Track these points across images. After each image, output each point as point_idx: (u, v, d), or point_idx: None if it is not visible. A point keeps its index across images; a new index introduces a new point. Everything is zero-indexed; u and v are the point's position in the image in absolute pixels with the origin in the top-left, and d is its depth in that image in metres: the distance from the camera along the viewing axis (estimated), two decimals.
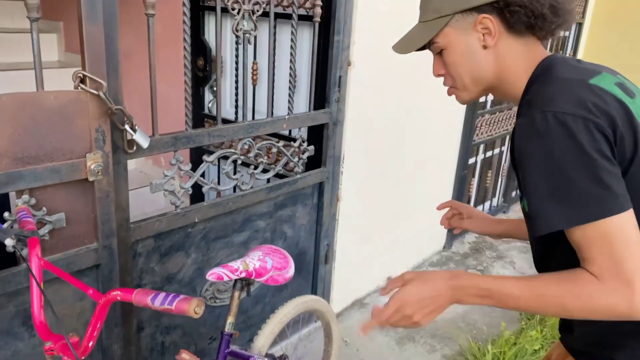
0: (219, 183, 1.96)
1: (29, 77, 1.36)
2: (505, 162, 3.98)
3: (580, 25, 4.38)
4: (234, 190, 1.93)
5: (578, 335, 1.00)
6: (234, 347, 1.49)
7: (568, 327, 1.03)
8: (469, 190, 3.58)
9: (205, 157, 1.77)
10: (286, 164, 2.10)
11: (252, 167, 1.94)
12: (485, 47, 0.94)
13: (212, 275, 1.33)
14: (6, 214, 1.26)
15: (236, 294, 1.45)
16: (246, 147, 1.88)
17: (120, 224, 1.52)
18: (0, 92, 1.20)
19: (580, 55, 4.52)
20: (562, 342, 1.09)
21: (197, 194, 2.05)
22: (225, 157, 1.85)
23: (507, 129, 3.75)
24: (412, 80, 2.55)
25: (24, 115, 1.25)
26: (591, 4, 4.41)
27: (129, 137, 1.46)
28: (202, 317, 1.92)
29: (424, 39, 0.99)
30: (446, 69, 1.01)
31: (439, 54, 1.00)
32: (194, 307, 1.06)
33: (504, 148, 3.93)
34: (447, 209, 1.40)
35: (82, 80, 1.32)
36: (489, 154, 3.74)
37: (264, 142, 1.99)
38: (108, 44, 1.36)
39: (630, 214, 0.79)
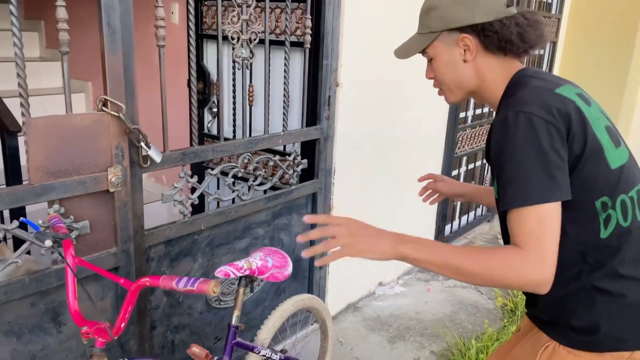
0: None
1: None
2: (487, 173, 4.19)
3: (554, 44, 4.65)
4: (233, 202, 2.12)
5: (540, 307, 1.18)
6: (239, 339, 1.67)
7: (532, 302, 1.21)
8: (452, 200, 3.78)
9: (209, 171, 1.96)
10: (282, 176, 2.30)
11: (252, 179, 2.14)
12: (465, 60, 1.16)
13: (220, 272, 1.51)
14: (40, 221, 1.44)
15: (241, 290, 1.63)
16: (246, 161, 2.08)
17: (136, 230, 1.70)
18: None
19: (555, 71, 4.79)
20: (527, 315, 1.28)
21: (198, 205, 2.23)
22: (224, 173, 2.04)
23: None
24: (396, 97, 2.78)
25: (55, 135, 1.44)
26: (564, 25, 4.69)
27: (144, 153, 1.65)
28: (207, 318, 2.10)
29: (417, 48, 1.21)
30: (434, 74, 1.23)
31: (430, 61, 1.22)
32: (212, 287, 1.24)
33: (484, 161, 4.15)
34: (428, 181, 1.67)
35: (104, 104, 1.52)
36: (471, 165, 3.96)
37: (262, 156, 2.19)
38: (126, 72, 1.56)
39: (559, 204, 0.99)
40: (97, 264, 1.59)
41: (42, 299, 1.51)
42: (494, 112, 1.18)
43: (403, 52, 1.25)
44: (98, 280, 1.63)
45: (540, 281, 0.96)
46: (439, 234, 3.59)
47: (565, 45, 4.80)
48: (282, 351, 1.86)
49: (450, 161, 3.49)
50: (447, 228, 3.78)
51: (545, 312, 1.17)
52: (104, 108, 1.52)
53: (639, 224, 1.07)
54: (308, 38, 2.20)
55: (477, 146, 3.85)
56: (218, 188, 2.75)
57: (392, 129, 2.85)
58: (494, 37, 1.11)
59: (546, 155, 0.97)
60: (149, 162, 1.68)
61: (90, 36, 1.52)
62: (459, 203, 3.89)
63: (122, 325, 1.27)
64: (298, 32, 2.38)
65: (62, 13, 1.39)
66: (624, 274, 1.05)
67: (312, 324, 2.60)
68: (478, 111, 3.88)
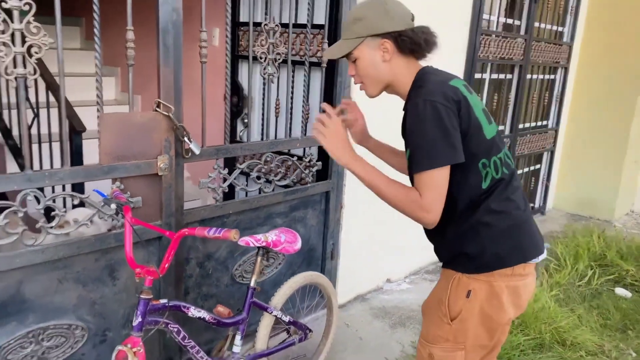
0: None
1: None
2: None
3: (566, 70, 4.94)
4: (259, 192, 2.52)
5: (444, 251, 1.56)
6: (256, 299, 2.04)
7: (439, 252, 1.60)
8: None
9: (238, 165, 2.37)
10: (301, 179, 2.69)
11: (273, 175, 2.53)
12: (384, 60, 1.47)
13: (242, 241, 1.90)
14: (106, 193, 1.87)
15: (259, 258, 2.01)
16: (268, 159, 2.48)
17: (177, 209, 2.11)
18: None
19: (567, 95, 5.07)
20: (438, 259, 1.62)
21: (228, 194, 2.64)
22: (251, 168, 2.44)
23: None
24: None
25: (121, 127, 1.87)
26: (576, 52, 4.98)
27: (186, 147, 2.07)
28: (232, 291, 2.47)
29: (346, 50, 1.49)
30: (357, 72, 1.52)
31: (354, 62, 1.51)
32: (233, 234, 1.62)
33: None
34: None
35: (158, 105, 1.95)
36: None
37: (282, 156, 2.59)
38: (175, 81, 1.99)
39: (448, 168, 1.35)
40: (146, 233, 2.01)
41: (103, 256, 1.93)
42: (404, 102, 1.51)
43: (332, 53, 1.53)
44: (145, 247, 2.04)
45: (429, 220, 1.37)
46: None
47: (578, 72, 5.08)
48: (292, 320, 2.22)
49: None
50: None
51: (448, 251, 1.54)
52: (157, 109, 1.95)
53: (504, 176, 1.47)
54: (325, 59, 2.61)
55: None
56: (247, 184, 3.15)
57: (399, 137, 3.20)
58: (407, 42, 1.44)
59: (446, 130, 1.34)
60: (189, 154, 2.10)
61: (120, 29, 1.91)
62: None
63: (166, 265, 1.67)
64: (318, 54, 2.79)
65: (130, 35, 1.83)
66: (496, 209, 1.44)
67: (320, 310, 2.94)
68: None
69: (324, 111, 1.56)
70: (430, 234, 1.60)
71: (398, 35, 1.44)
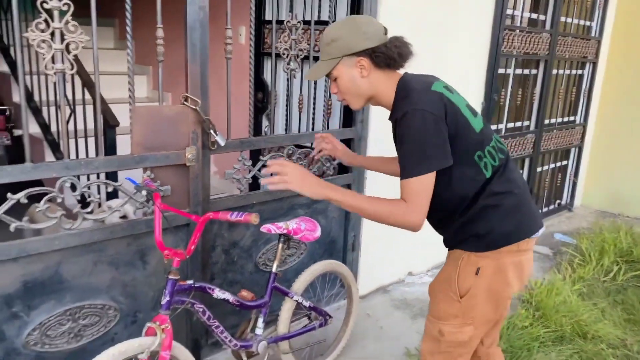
0: None
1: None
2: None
3: (594, 65, 4.88)
4: None
5: (452, 237, 1.63)
6: (277, 284, 2.13)
7: (447, 240, 1.67)
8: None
9: (261, 157, 2.47)
10: (323, 172, 2.77)
11: None
12: (362, 77, 1.55)
13: (264, 228, 2.00)
14: (137, 181, 1.99)
15: (280, 245, 2.10)
16: (290, 152, 2.57)
17: (204, 198, 2.22)
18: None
19: (596, 91, 5.01)
20: (445, 246, 1.70)
21: (252, 186, 2.74)
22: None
23: (520, 153, 4.27)
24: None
25: (152, 120, 1.99)
26: (605, 47, 4.91)
27: (212, 139, 2.17)
28: (255, 278, 2.57)
29: (325, 71, 1.58)
30: (338, 89, 1.62)
31: (335, 80, 1.60)
32: (253, 217, 1.71)
33: (520, 171, 4.44)
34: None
35: (186, 99, 2.06)
36: None
37: (304, 149, 2.67)
38: (202, 76, 2.10)
39: (434, 175, 1.43)
40: (174, 220, 2.12)
41: (134, 241, 2.05)
42: (390, 112, 1.60)
43: (313, 74, 1.63)
44: (174, 233, 2.16)
45: (415, 225, 1.45)
46: None
47: (607, 67, 5.01)
48: (311, 306, 2.31)
49: None
50: None
51: (458, 236, 1.61)
52: (185, 102, 2.06)
53: (502, 161, 1.57)
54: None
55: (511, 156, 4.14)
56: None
57: None
58: (382, 57, 1.52)
59: (433, 138, 1.42)
60: (215, 146, 2.20)
61: (151, 29, 2.02)
62: None
63: (192, 247, 1.77)
64: None
65: (160, 32, 1.95)
66: (499, 191, 1.52)
67: (341, 299, 3.01)
68: (510, 125, 4.19)
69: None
70: (439, 226, 1.68)
71: (372, 52, 1.52)
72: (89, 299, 1.97)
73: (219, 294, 1.94)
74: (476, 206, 1.53)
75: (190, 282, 1.85)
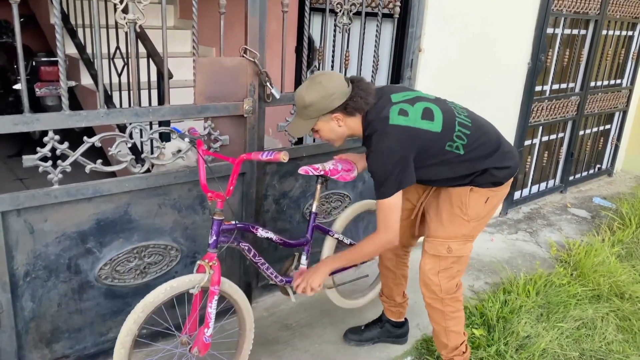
0: None
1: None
2: (560, 146, 4.43)
3: (624, 113, 4.93)
4: None
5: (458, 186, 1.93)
6: (318, 223, 2.23)
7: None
8: (525, 167, 4.11)
9: None
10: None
11: None
12: (340, 126, 1.85)
13: (301, 170, 2.05)
14: (183, 129, 2.07)
15: (318, 186, 2.17)
16: None
17: (258, 149, 2.31)
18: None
19: (625, 137, 5.10)
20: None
21: (297, 143, 2.82)
22: None
23: (563, 116, 4.22)
24: (473, 63, 3.18)
25: (213, 70, 2.07)
26: (636, 96, 4.92)
27: (267, 92, 2.25)
28: (302, 227, 2.66)
29: (307, 130, 1.87)
30: (321, 137, 1.91)
31: (316, 131, 1.89)
32: (282, 155, 1.79)
33: (562, 134, 4.40)
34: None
35: (245, 52, 2.12)
36: (545, 138, 4.24)
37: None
38: (261, 30, 2.15)
39: (400, 194, 1.77)
40: (222, 169, 2.20)
41: (195, 187, 2.17)
42: (362, 140, 1.89)
43: (296, 132, 1.92)
44: (222, 183, 2.26)
45: (390, 243, 1.84)
46: (507, 197, 3.93)
47: (637, 115, 5.04)
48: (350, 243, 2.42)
49: (523, 130, 3.81)
50: (517, 194, 4.12)
51: (468, 185, 1.91)
52: (244, 55, 2.13)
53: (470, 135, 1.84)
54: (397, 9, 2.69)
55: (552, 119, 4.10)
56: None
57: (467, 95, 3.25)
58: (351, 107, 1.80)
59: (398, 165, 1.74)
60: (270, 98, 2.28)
61: (214, 11, 2.08)
62: (531, 172, 4.20)
63: (231, 188, 1.84)
64: (390, 5, 2.87)
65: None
66: (483, 154, 1.87)
67: None
68: (555, 86, 4.13)
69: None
70: (449, 186, 1.94)
71: (343, 107, 1.81)
72: (153, 239, 2.11)
73: (262, 232, 2.04)
74: (477, 172, 1.86)
75: (234, 222, 1.94)
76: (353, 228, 2.85)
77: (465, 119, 1.88)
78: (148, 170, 2.02)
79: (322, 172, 2.10)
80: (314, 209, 2.19)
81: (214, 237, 1.86)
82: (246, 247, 2.01)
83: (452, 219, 1.93)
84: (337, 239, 2.32)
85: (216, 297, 1.82)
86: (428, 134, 1.78)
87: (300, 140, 2.85)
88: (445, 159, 1.83)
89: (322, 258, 2.29)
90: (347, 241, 2.35)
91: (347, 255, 1.97)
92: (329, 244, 2.31)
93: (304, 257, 2.19)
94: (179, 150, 2.12)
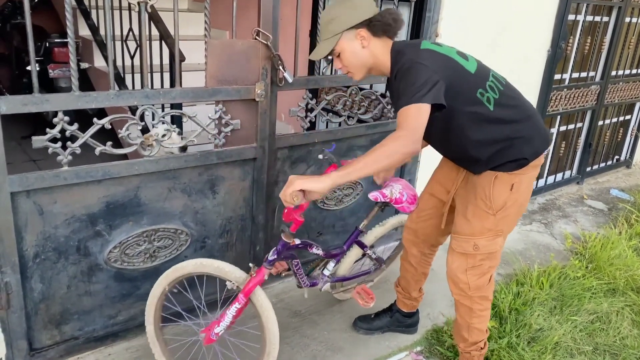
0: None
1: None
2: (579, 137, 4.34)
3: None
4: (340, 125, 2.64)
5: (479, 168, 1.79)
6: (360, 239, 2.25)
7: (473, 171, 1.83)
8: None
9: (324, 96, 2.49)
10: (382, 114, 2.77)
11: (356, 108, 2.63)
12: (363, 47, 1.67)
13: (371, 195, 2.00)
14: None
15: (376, 209, 2.16)
16: (353, 92, 2.58)
17: (270, 133, 2.28)
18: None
19: None
20: (473, 173, 1.84)
21: (310, 128, 2.78)
22: (335, 102, 2.56)
23: (582, 105, 4.12)
24: (489, 51, 3.11)
25: (225, 53, 2.03)
26: None
27: (280, 75, 2.20)
28: (314, 215, 2.65)
29: (329, 48, 1.68)
30: (343, 63, 1.72)
31: (338, 56, 1.71)
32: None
33: (580, 124, 4.30)
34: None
35: (257, 34, 2.08)
36: (562, 128, 4.15)
37: (366, 91, 2.68)
38: (274, 11, 2.11)
39: (429, 107, 1.51)
40: (242, 153, 2.19)
41: (205, 171, 2.14)
42: (387, 79, 1.77)
43: (319, 53, 1.71)
44: (241, 167, 2.24)
45: (412, 143, 1.48)
46: None
47: None
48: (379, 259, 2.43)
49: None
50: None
51: (489, 165, 1.77)
52: (256, 37, 2.09)
53: (502, 92, 1.73)
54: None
55: (571, 108, 4.01)
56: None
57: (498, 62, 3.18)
58: (379, 25, 1.64)
59: (429, 81, 1.53)
60: (283, 83, 2.23)
61: None
62: (547, 163, 4.12)
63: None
64: None
65: None
66: (515, 118, 1.74)
67: (393, 241, 3.08)
68: (575, 75, 4.03)
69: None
70: (468, 163, 1.84)
71: (369, 22, 1.65)
72: (163, 222, 2.10)
73: (315, 250, 2.04)
74: (500, 139, 1.72)
75: (298, 242, 1.91)
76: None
77: (501, 78, 1.78)
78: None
79: (388, 199, 2.03)
80: (361, 226, 2.21)
81: (275, 256, 1.85)
82: (296, 264, 2.03)
83: (476, 212, 1.81)
84: (366, 252, 2.34)
85: (238, 304, 1.81)
86: (461, 68, 1.66)
87: (312, 126, 2.81)
88: (474, 110, 1.67)
89: (342, 264, 2.29)
90: (374, 255, 2.34)
91: (355, 164, 1.50)
92: (354, 253, 2.31)
93: (332, 264, 2.20)
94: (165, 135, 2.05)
